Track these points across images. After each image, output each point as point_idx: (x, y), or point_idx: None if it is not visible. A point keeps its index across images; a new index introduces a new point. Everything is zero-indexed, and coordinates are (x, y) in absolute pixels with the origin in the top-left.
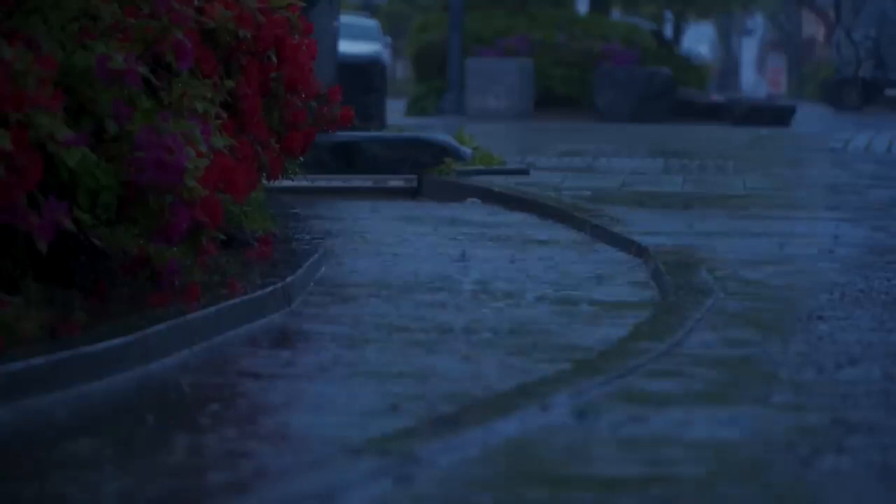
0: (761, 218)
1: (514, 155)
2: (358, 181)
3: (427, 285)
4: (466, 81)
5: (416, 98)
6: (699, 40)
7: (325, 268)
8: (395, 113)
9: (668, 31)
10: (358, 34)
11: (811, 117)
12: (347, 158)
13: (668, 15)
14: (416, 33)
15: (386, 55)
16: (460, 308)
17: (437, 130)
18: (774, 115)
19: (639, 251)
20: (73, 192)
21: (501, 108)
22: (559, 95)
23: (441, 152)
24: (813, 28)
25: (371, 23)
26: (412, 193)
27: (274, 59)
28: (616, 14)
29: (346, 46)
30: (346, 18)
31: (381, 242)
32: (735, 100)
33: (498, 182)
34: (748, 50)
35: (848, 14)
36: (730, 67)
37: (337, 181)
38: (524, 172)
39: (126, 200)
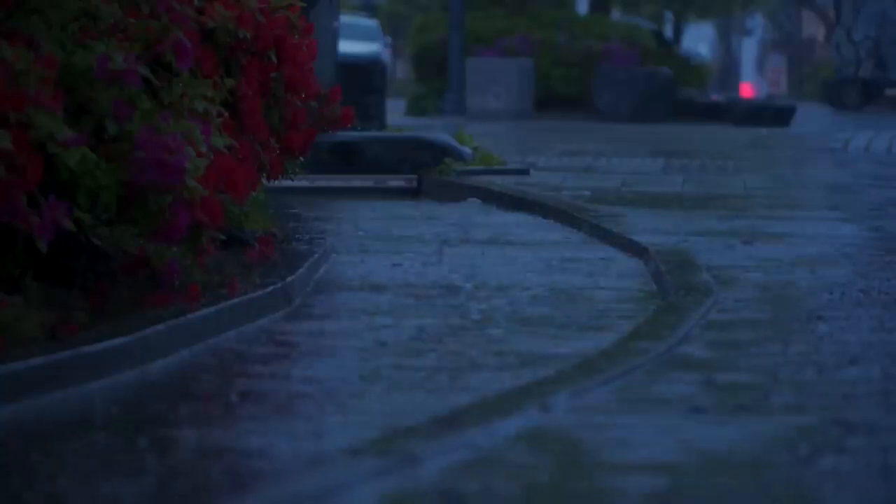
0: (761, 218)
1: (514, 155)
2: (358, 181)
3: (426, 285)
4: (466, 81)
5: (416, 98)
6: (699, 40)
7: (325, 268)
8: (395, 113)
9: (668, 31)
10: (358, 34)
11: (811, 117)
12: (347, 158)
13: (668, 15)
14: (416, 33)
15: (386, 55)
16: (460, 308)
17: (437, 130)
18: (774, 115)
19: (639, 251)
20: (73, 192)
21: (501, 108)
22: (559, 95)
23: (441, 152)
24: (813, 28)
25: (371, 23)
26: (412, 193)
27: (274, 59)
28: (616, 14)
29: (346, 46)
30: (346, 18)
31: (382, 242)
32: (735, 100)
33: (498, 182)
34: (748, 50)
35: (848, 14)
36: (730, 67)
37: (337, 181)
38: (524, 172)
39: (126, 200)
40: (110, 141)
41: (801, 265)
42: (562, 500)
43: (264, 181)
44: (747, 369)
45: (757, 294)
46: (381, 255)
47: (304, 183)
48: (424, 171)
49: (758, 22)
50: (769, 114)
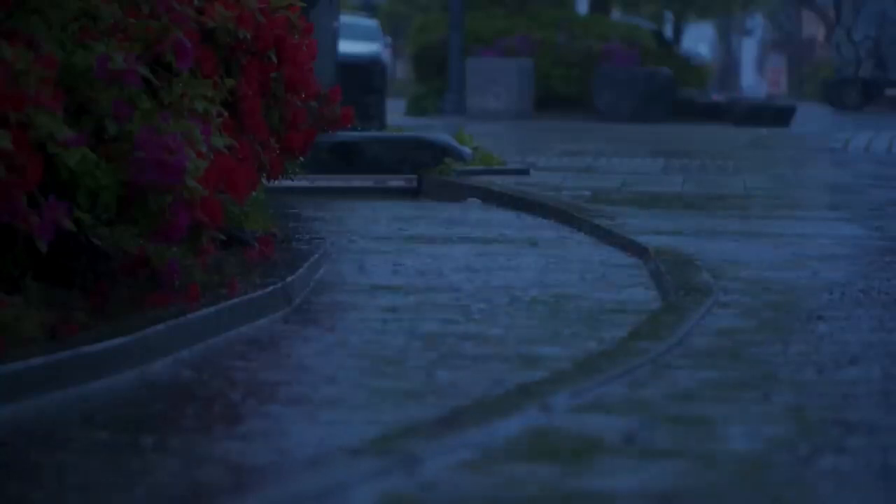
0: (761, 218)
1: (514, 155)
2: (358, 181)
3: (426, 285)
4: (466, 81)
5: (416, 98)
6: (699, 40)
7: (325, 268)
8: (395, 113)
9: (668, 31)
10: (358, 34)
11: (811, 117)
12: (347, 158)
13: (668, 15)
14: (416, 33)
15: (386, 55)
16: (460, 307)
17: (437, 130)
18: (774, 115)
19: (639, 251)
20: (73, 192)
21: (501, 108)
22: (559, 95)
23: (441, 152)
24: (813, 28)
25: (371, 23)
26: (412, 193)
27: (274, 59)
28: (616, 14)
29: (346, 46)
30: (346, 18)
31: (382, 242)
32: (735, 100)
33: (498, 182)
34: (748, 50)
35: (848, 14)
36: (730, 67)
37: (337, 181)
38: (524, 172)
39: (126, 200)
40: (110, 141)
41: (801, 265)
42: (562, 501)
43: (264, 181)
44: (747, 369)
45: (757, 294)
46: (381, 256)
47: (304, 183)
48: (424, 171)
49: (758, 22)
50: (769, 114)
